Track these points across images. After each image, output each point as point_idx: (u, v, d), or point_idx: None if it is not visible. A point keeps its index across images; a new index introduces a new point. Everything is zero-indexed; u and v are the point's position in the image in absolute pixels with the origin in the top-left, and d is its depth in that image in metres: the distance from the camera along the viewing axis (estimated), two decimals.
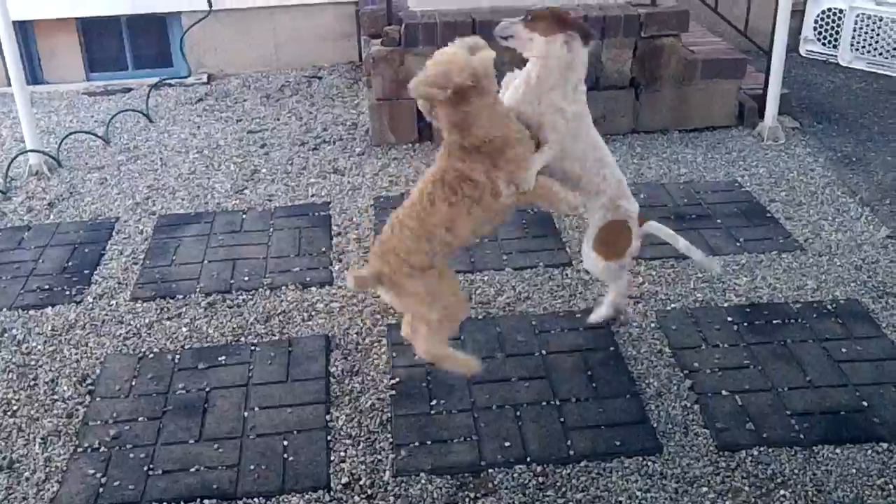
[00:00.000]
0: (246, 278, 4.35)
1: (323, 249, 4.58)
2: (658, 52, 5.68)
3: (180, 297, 4.23)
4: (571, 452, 3.21)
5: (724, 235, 4.62)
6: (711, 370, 3.61)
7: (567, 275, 4.29)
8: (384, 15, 5.59)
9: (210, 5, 7.08)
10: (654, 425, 3.33)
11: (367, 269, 3.28)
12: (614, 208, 3.57)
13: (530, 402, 3.44)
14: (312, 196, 5.15)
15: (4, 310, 4.21)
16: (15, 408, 3.57)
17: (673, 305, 4.04)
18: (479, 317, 3.98)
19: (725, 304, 4.04)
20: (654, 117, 5.86)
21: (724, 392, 3.48)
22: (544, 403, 3.43)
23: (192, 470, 3.20)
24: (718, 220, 4.77)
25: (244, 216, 4.96)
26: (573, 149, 3.39)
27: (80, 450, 3.32)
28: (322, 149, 5.81)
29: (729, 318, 3.93)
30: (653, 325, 3.91)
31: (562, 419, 3.35)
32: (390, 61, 5.54)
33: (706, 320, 3.93)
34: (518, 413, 3.39)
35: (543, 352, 3.73)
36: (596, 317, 3.87)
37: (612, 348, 3.74)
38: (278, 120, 6.34)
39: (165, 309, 4.15)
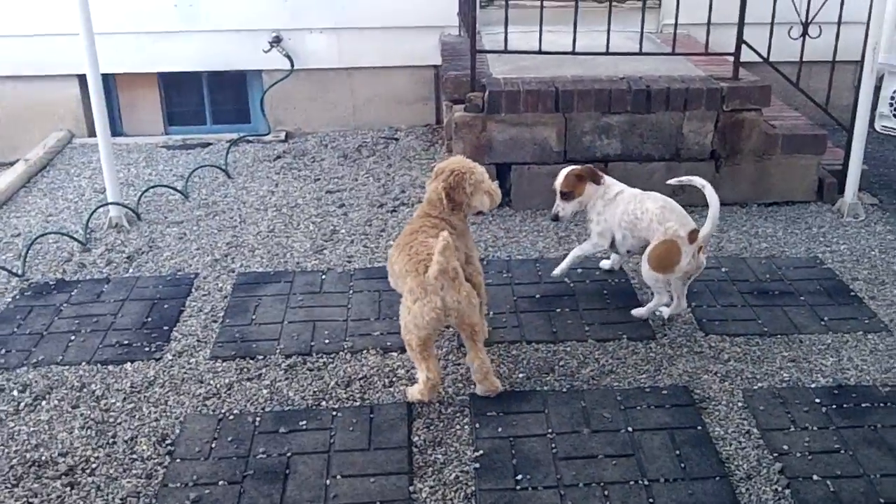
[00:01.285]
0: (326, 341, 4.35)
1: None
2: (739, 125, 5.65)
3: (260, 357, 4.23)
4: None
5: (808, 313, 4.54)
6: (801, 453, 3.51)
7: (651, 349, 4.23)
8: (468, 81, 5.64)
9: (292, 64, 7.22)
10: None
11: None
12: (664, 230, 4.28)
13: (618, 481, 3.36)
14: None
15: (84, 364, 4.23)
16: (94, 465, 3.55)
17: (759, 384, 3.96)
18: (563, 389, 3.92)
19: (812, 385, 3.95)
20: (734, 190, 5.81)
21: (815, 477, 3.38)
22: (632, 483, 3.36)
23: None
24: (802, 298, 4.69)
25: (324, 277, 4.98)
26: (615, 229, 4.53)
27: None
28: (400, 211, 5.84)
29: (817, 400, 3.84)
30: (740, 404, 3.82)
31: (651, 500, 3.27)
32: (472, 127, 5.58)
33: (794, 401, 3.83)
34: (606, 492, 3.31)
35: (630, 428, 3.66)
36: (637, 312, 4.51)
37: (699, 427, 3.66)
38: (356, 180, 6.40)
39: (245, 369, 4.15)
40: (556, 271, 4.72)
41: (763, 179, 5.83)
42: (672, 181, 4.58)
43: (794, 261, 5.13)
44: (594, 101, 5.53)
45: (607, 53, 5.67)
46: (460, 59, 6.14)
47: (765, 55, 5.82)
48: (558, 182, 4.54)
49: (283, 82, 7.32)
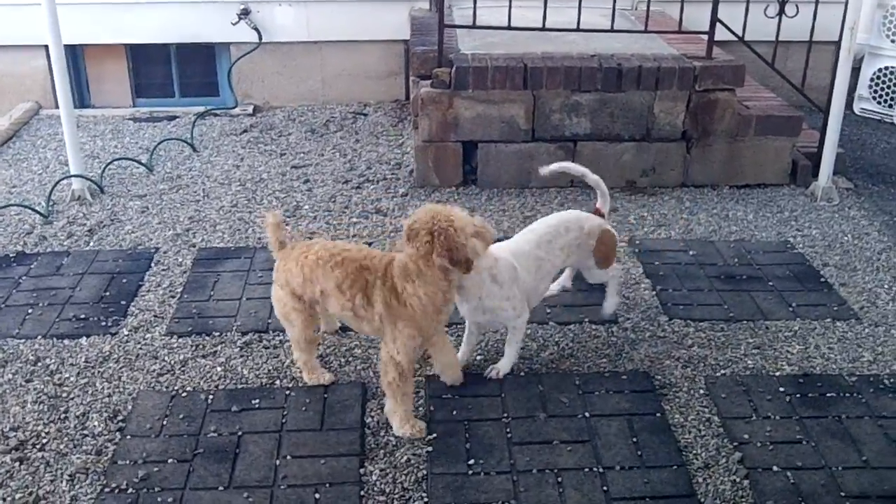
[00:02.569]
0: None
1: None
2: (712, 105, 5.57)
3: (216, 334, 4.15)
4: None
5: (776, 299, 4.48)
6: (762, 443, 3.45)
7: (613, 333, 4.16)
8: (435, 56, 5.54)
9: (260, 37, 7.09)
10: (702, 500, 3.17)
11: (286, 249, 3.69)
12: (586, 236, 3.96)
13: (572, 468, 3.30)
14: (354, 236, 5.07)
15: (39, 338, 4.16)
16: (44, 441, 3.49)
17: (722, 371, 3.90)
18: (521, 373, 3.85)
19: (777, 373, 3.89)
20: (704, 171, 5.75)
21: (775, 468, 3.32)
22: (587, 470, 3.30)
23: None
24: (770, 283, 4.63)
25: None
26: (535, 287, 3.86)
27: (107, 490, 3.23)
28: (365, 188, 5.75)
29: (781, 389, 3.78)
30: (701, 391, 3.76)
31: (605, 488, 3.21)
32: (439, 103, 5.48)
33: (757, 389, 3.77)
34: (559, 479, 3.25)
35: (587, 414, 3.59)
36: (608, 311, 4.21)
37: (658, 414, 3.60)
38: (322, 156, 6.29)
39: (201, 346, 4.07)
40: (504, 365, 3.86)
41: (735, 161, 5.76)
42: (545, 170, 4.07)
43: (764, 245, 5.07)
44: (563, 79, 5.44)
45: (578, 30, 5.57)
46: (429, 34, 6.03)
47: (740, 34, 5.74)
48: None
49: (250, 55, 7.20)
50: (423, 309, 3.37)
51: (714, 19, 5.57)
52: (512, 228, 5.15)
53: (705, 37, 5.66)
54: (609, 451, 3.39)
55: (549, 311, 4.32)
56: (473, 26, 5.57)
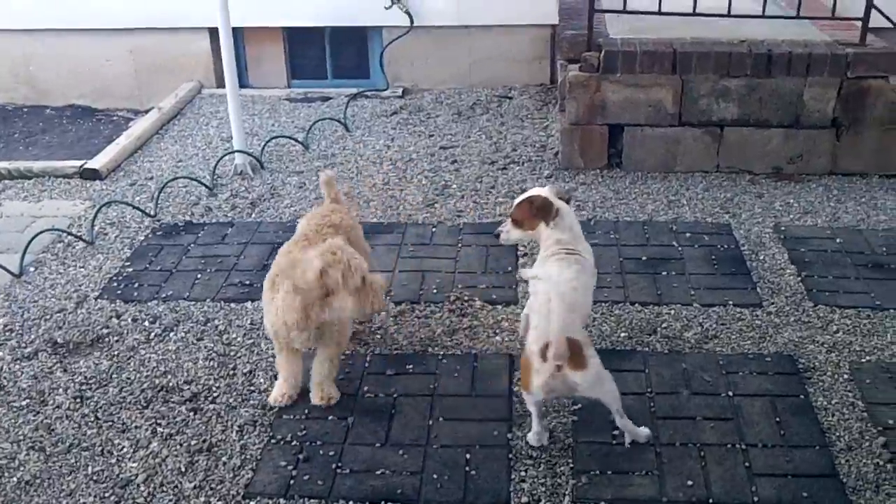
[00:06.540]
0: (434, 290, 4.47)
1: (509, 269, 4.66)
2: (864, 93, 5.47)
3: None
4: (756, 499, 3.15)
5: None
6: None
7: (757, 316, 4.21)
8: (584, 41, 5.62)
9: (411, 22, 7.31)
10: (844, 480, 3.23)
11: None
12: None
13: (715, 443, 3.41)
14: (500, 215, 5.22)
15: (208, 300, 4.49)
16: (215, 394, 3.80)
17: (868, 358, 3.90)
18: (665, 351, 3.96)
19: None
20: (854, 160, 5.66)
21: None
22: (729, 446, 3.39)
23: (378, 472, 3.33)
24: None
25: (434, 230, 5.10)
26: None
27: (273, 441, 3.51)
28: (511, 169, 5.90)
29: None
30: (845, 376, 3.78)
31: (747, 464, 3.30)
32: (587, 87, 5.58)
33: None
34: (702, 453, 3.36)
35: (730, 393, 3.68)
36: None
37: (801, 396, 3.65)
38: (469, 137, 6.48)
39: None
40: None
41: (887, 150, 5.63)
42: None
43: None
44: (713, 64, 5.45)
45: (728, 16, 5.58)
46: (577, 18, 6.10)
47: None
48: (513, 205, 3.79)
49: (402, 39, 7.41)
50: None
51: (869, 5, 5.44)
52: (656, 211, 5.23)
53: (859, 23, 5.57)
54: (752, 430, 3.47)
55: (693, 292, 4.40)
56: (623, 11, 5.64)
